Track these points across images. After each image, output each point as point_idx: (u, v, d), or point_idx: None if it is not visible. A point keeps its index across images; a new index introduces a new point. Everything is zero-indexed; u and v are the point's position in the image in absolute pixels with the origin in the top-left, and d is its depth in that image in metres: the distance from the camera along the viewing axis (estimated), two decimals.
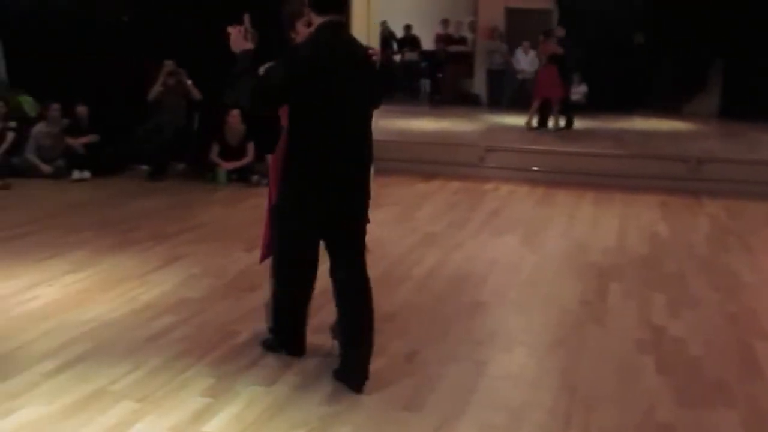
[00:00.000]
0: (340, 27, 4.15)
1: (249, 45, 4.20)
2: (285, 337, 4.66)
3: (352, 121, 4.10)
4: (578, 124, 13.88)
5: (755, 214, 9.10)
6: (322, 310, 4.99)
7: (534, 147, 11.50)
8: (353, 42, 4.24)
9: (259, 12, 4.71)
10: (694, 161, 10.39)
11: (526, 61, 16.27)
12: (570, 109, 13.90)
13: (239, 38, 4.19)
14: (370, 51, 4.33)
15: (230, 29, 4.21)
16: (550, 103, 13.59)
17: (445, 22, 18.22)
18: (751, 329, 5.33)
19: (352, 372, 4.26)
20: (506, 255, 6.98)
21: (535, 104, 13.63)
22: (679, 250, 7.35)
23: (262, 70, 4.22)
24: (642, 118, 15.46)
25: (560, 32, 13.74)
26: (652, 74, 16.50)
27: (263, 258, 4.76)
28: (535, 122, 13.69)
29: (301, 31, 4.39)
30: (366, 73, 4.18)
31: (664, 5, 16.11)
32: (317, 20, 4.09)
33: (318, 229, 4.18)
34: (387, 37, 17.93)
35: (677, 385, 4.42)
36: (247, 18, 4.32)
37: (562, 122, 13.66)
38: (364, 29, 10.78)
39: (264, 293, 5.62)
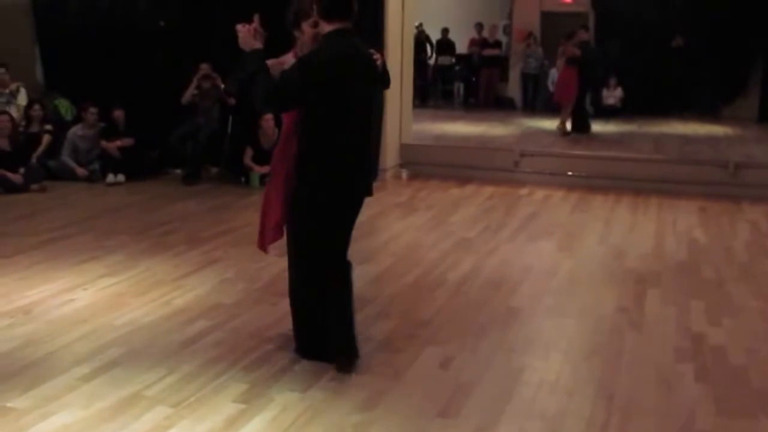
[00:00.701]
0: (348, 34, 4.36)
1: (258, 44, 4.35)
2: (319, 340, 4.59)
3: (362, 118, 4.43)
4: (614, 128, 13.75)
5: None
6: None
7: (569, 151, 11.40)
8: (360, 47, 4.44)
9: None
10: (733, 166, 10.22)
11: None
12: (584, 115, 13.63)
13: (248, 37, 4.35)
14: (374, 56, 4.53)
15: (239, 27, 4.36)
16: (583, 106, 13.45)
17: (479, 26, 18.17)
18: None
19: (342, 352, 4.48)
20: (542, 260, 6.91)
21: (566, 109, 13.49)
22: (718, 256, 7.23)
23: (276, 73, 4.35)
24: (680, 122, 15.28)
25: (584, 35, 13.56)
26: (690, 78, 16.31)
27: (264, 245, 4.81)
28: (568, 126, 13.55)
29: (306, 31, 4.55)
30: (371, 76, 4.51)
31: (703, 8, 15.94)
32: (326, 27, 4.32)
33: (350, 210, 4.48)
34: (423, 40, 17.95)
35: (717, 394, 4.33)
36: (257, 18, 4.44)
37: (569, 125, 13.47)
38: (398, 32, 10.78)
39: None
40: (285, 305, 5.53)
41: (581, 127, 13.57)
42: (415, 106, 12.08)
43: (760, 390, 4.40)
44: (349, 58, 4.32)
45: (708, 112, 16.20)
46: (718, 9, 15.76)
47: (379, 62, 4.57)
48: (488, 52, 17.78)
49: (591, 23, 16.44)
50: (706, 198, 9.72)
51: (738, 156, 10.98)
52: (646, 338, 5.16)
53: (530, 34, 17.24)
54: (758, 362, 4.80)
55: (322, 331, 4.54)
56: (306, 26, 4.55)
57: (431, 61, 18.66)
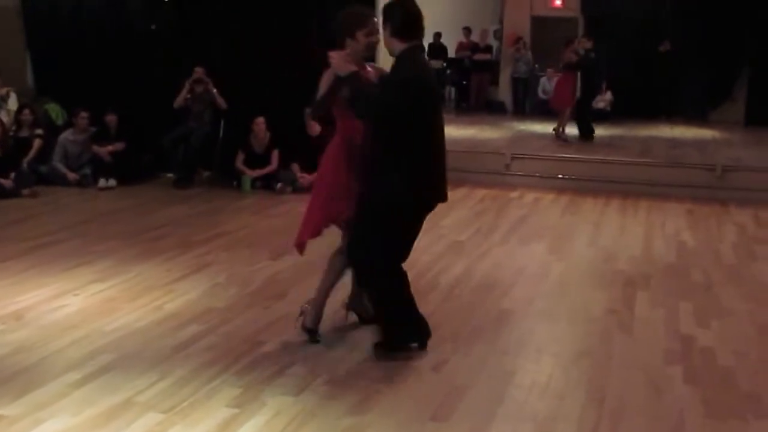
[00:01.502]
0: (420, 51, 4.79)
1: (353, 67, 4.57)
2: (411, 327, 4.91)
3: (440, 122, 4.77)
4: (603, 131, 13.79)
5: None
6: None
7: (559, 155, 11.45)
8: (426, 61, 5.05)
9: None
10: (720, 169, 10.31)
11: (551, 87, 16.29)
12: (586, 121, 13.65)
13: (342, 61, 4.57)
14: None
15: (332, 54, 4.60)
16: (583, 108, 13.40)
17: (467, 31, 18.24)
18: None
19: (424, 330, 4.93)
20: (533, 263, 6.94)
21: (562, 113, 13.49)
22: (706, 258, 7.28)
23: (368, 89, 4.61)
24: (668, 125, 15.37)
25: (586, 43, 13.51)
26: (678, 82, 16.43)
27: (304, 240, 4.99)
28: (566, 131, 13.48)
29: (361, 41, 4.72)
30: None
31: (691, 13, 16.06)
32: (400, 45, 4.59)
33: (427, 212, 4.83)
34: None
35: (707, 396, 4.36)
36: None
37: (566, 130, 13.44)
38: None
39: (284, 304, 5.66)
40: (277, 309, 5.59)
41: (586, 132, 13.43)
42: None
43: (748, 392, 4.44)
44: (428, 73, 4.84)
45: (695, 116, 16.31)
46: (706, 14, 15.89)
47: None
48: (479, 56, 17.86)
49: (580, 28, 16.50)
50: (693, 201, 9.80)
51: (725, 159, 11.07)
52: (636, 340, 5.20)
53: (519, 39, 17.30)
54: (746, 364, 4.84)
55: (409, 319, 4.89)
56: (361, 35, 4.72)
57: None
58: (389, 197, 4.62)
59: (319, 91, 4.83)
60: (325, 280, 5.06)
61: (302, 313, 5.10)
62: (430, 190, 4.73)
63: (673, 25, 16.32)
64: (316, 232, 4.96)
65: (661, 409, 4.20)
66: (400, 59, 4.60)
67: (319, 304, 5.06)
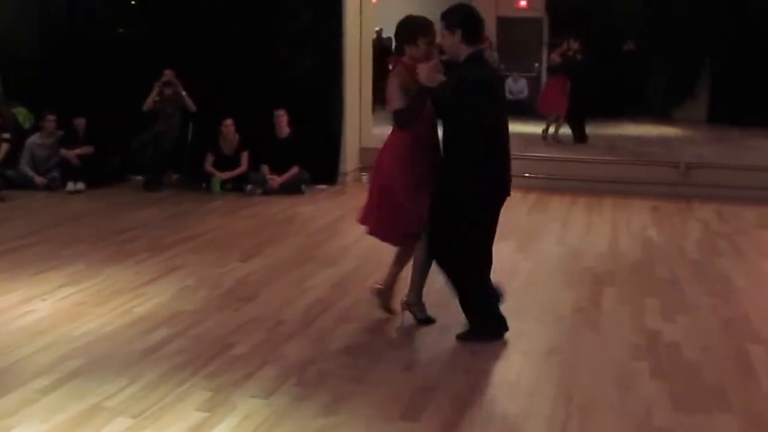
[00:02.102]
0: (482, 54, 5.20)
1: (441, 77, 4.84)
2: (496, 318, 5.14)
3: (506, 120, 5.13)
4: (570, 130, 13.88)
5: (745, 217, 9.14)
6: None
7: (526, 153, 11.49)
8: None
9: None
10: (684, 166, 10.48)
11: (516, 88, 16.40)
12: (583, 125, 13.56)
13: (432, 72, 4.82)
14: None
15: (421, 66, 4.85)
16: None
17: None
18: (745, 334, 5.35)
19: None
20: (501, 262, 6.88)
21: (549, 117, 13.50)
22: (672, 254, 7.39)
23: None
24: (633, 124, 15.55)
25: (573, 44, 13.56)
26: (642, 81, 16.65)
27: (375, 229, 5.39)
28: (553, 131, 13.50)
29: (421, 47, 5.04)
30: None
31: (653, 14, 16.31)
32: (467, 49, 4.93)
33: (499, 203, 5.09)
34: (383, 45, 18.10)
35: (673, 390, 4.43)
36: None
37: (557, 131, 13.52)
38: (356, 37, 10.85)
39: (255, 306, 5.66)
40: (247, 311, 5.60)
41: (580, 137, 13.36)
42: (377, 110, 12.14)
43: (713, 385, 4.50)
44: (495, 74, 5.40)
45: (659, 114, 16.53)
46: (668, 15, 16.15)
47: None
48: (445, 56, 17.94)
49: (545, 28, 16.64)
50: (658, 198, 9.93)
51: (689, 156, 11.24)
52: (603, 337, 5.26)
53: (486, 39, 17.40)
54: (711, 358, 4.91)
55: (492, 311, 5.16)
56: (422, 42, 5.03)
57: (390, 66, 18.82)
58: (467, 193, 4.89)
59: (394, 100, 5.00)
60: (414, 271, 5.31)
61: (404, 308, 5.35)
62: (501, 184, 5.03)
63: (636, 26, 16.53)
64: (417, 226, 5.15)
65: (629, 405, 4.25)
66: (468, 62, 4.93)
67: (417, 292, 5.33)
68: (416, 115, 4.95)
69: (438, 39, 5.10)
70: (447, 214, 4.96)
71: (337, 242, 7.80)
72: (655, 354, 4.96)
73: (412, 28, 5.09)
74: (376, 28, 16.51)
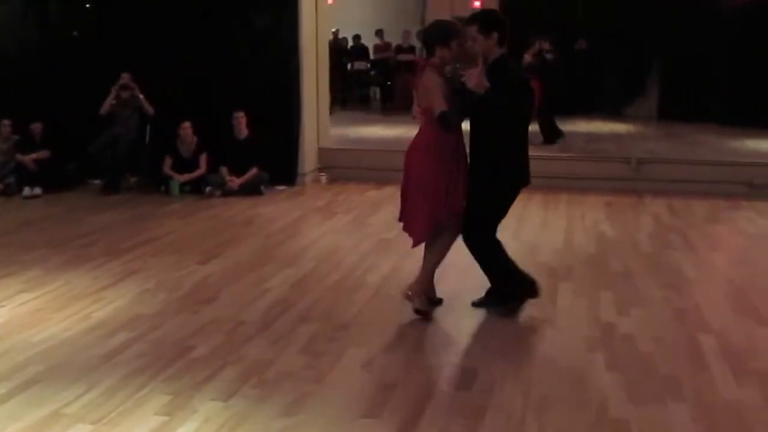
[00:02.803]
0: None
1: (487, 84, 5.05)
2: (525, 284, 5.61)
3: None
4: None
5: (695, 211, 9.34)
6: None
7: None
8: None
9: None
10: (635, 162, 10.69)
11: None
12: (549, 127, 13.49)
13: (481, 79, 5.05)
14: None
15: (471, 72, 5.08)
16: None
17: (380, 33, 18.62)
18: (697, 324, 5.48)
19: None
20: (459, 258, 6.93)
21: None
22: (625, 248, 7.52)
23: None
24: (585, 121, 15.77)
25: (543, 44, 13.66)
26: (594, 79, 16.97)
27: (421, 240, 5.55)
28: None
29: (453, 49, 5.30)
30: None
31: (605, 14, 16.65)
32: (497, 51, 5.27)
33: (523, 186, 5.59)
34: (339, 46, 18.24)
35: (628, 381, 4.51)
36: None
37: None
38: (312, 38, 10.86)
39: (214, 307, 5.68)
40: (207, 313, 5.60)
41: (553, 137, 13.25)
42: (335, 111, 12.19)
43: (667, 376, 4.61)
44: (522, 74, 5.85)
45: (611, 111, 16.81)
46: (619, 15, 16.50)
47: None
48: (403, 56, 18.08)
49: None
50: (611, 193, 10.11)
51: (640, 152, 11.47)
52: (559, 331, 5.35)
53: None
54: (665, 349, 5.03)
55: (519, 276, 5.63)
56: (455, 44, 5.29)
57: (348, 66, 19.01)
58: (503, 179, 5.38)
59: (438, 102, 5.20)
60: (428, 260, 5.57)
61: (409, 297, 5.54)
62: (526, 169, 5.50)
63: (588, 26, 16.81)
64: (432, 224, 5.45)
65: (585, 397, 4.33)
66: (500, 63, 5.23)
67: (425, 284, 5.56)
68: (462, 118, 5.32)
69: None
70: (484, 199, 5.38)
71: (296, 243, 7.82)
72: (610, 346, 5.05)
73: (446, 30, 5.33)
74: (333, 29, 16.59)
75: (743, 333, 5.33)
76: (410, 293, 5.55)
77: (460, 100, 5.20)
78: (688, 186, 10.27)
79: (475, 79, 5.06)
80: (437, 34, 5.33)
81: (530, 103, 5.62)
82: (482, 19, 5.33)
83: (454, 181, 5.35)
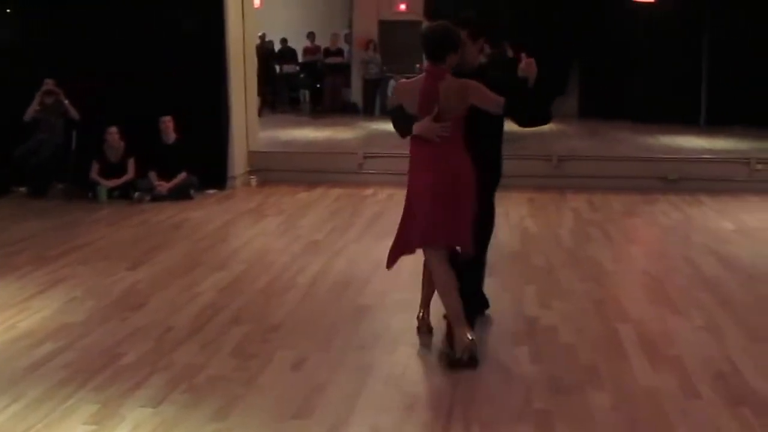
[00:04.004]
0: None
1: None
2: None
3: None
4: None
5: (614, 205, 9.65)
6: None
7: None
8: None
9: None
10: (557, 159, 11.00)
11: None
12: None
13: (533, 66, 4.94)
14: None
15: (529, 60, 4.93)
16: None
17: (311, 36, 18.64)
18: (616, 314, 5.67)
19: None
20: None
21: None
22: (547, 243, 7.72)
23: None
24: (508, 120, 16.04)
25: (506, 48, 13.82)
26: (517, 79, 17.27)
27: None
28: None
29: (459, 55, 4.89)
30: None
31: (526, 16, 16.97)
32: (480, 57, 5.31)
33: None
34: (266, 49, 18.23)
35: (551, 372, 4.65)
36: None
37: None
38: (239, 42, 10.85)
39: (143, 314, 5.65)
40: (136, 319, 5.58)
41: None
42: (264, 114, 12.21)
43: (587, 365, 4.76)
44: None
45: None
46: (541, 17, 16.82)
47: None
48: (331, 59, 18.18)
49: None
50: (534, 190, 10.35)
51: (561, 150, 11.78)
52: (485, 326, 5.45)
53: (371, 42, 17.77)
54: (585, 340, 5.19)
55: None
56: (460, 51, 4.89)
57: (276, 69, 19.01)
58: (497, 180, 5.38)
59: (496, 96, 4.92)
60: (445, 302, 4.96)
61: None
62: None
63: (510, 28, 17.08)
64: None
65: (510, 390, 4.44)
66: (485, 68, 5.22)
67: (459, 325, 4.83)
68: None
69: None
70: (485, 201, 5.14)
71: (226, 246, 7.83)
72: (534, 339, 5.20)
73: (457, 36, 4.86)
74: (259, 33, 16.57)
75: (659, 322, 5.54)
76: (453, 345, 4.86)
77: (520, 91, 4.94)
78: (607, 182, 10.61)
79: (529, 65, 4.90)
80: (451, 42, 4.81)
81: None
82: (472, 25, 5.07)
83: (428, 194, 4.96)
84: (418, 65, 18.42)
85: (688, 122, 15.46)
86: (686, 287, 6.35)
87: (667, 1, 15.14)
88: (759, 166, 10.73)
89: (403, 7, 18.11)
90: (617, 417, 4.12)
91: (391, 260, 5.16)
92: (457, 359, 4.71)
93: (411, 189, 5.01)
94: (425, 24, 5.26)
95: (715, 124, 15.41)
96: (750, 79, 15.62)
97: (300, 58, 18.95)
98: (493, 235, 5.48)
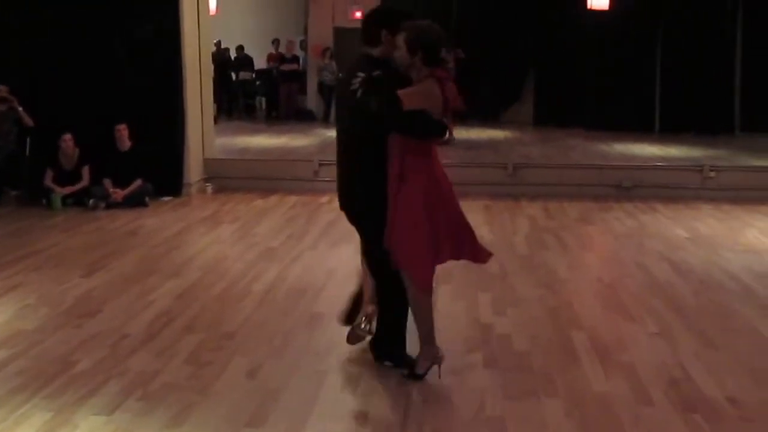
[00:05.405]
0: None
1: None
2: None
3: None
4: None
5: (568, 213, 9.79)
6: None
7: None
8: None
9: None
10: (512, 167, 11.14)
11: None
12: None
13: None
14: None
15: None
16: None
17: (276, 42, 18.60)
18: (569, 321, 5.75)
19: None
20: (342, 265, 7.14)
21: None
22: (503, 250, 7.73)
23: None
24: (464, 128, 16.20)
25: (460, 54, 13.94)
26: (472, 87, 17.45)
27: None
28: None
29: None
30: None
31: (481, 24, 17.20)
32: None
33: None
34: (223, 57, 18.21)
35: (504, 379, 4.70)
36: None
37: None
38: (195, 50, 10.82)
39: (98, 321, 5.60)
40: (90, 327, 5.54)
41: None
42: (220, 121, 12.19)
43: (540, 372, 4.83)
44: None
45: (489, 117, 17.33)
46: (494, 25, 17.15)
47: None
48: (286, 66, 18.20)
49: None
50: (490, 197, 10.45)
51: (516, 158, 11.97)
52: (439, 333, 5.34)
53: (327, 49, 17.81)
54: (539, 346, 5.26)
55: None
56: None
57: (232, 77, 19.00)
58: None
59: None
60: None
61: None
62: None
63: (465, 35, 17.28)
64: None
65: (463, 397, 4.49)
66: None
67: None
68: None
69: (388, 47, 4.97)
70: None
71: (181, 253, 7.79)
72: (488, 346, 5.25)
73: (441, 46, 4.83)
74: (215, 40, 16.55)
75: (612, 328, 5.63)
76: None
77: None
78: (562, 189, 10.77)
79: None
80: (443, 40, 4.84)
81: None
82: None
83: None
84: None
85: (642, 130, 15.81)
86: (639, 294, 6.46)
87: (622, 10, 15.40)
88: (712, 174, 10.95)
89: (358, 14, 18.18)
90: (570, 423, 4.17)
91: (430, 279, 4.90)
92: (419, 375, 4.72)
93: (429, 197, 4.95)
94: (409, 23, 4.95)
95: (668, 132, 15.78)
96: (703, 87, 16.02)
97: (264, 65, 18.89)
98: None
